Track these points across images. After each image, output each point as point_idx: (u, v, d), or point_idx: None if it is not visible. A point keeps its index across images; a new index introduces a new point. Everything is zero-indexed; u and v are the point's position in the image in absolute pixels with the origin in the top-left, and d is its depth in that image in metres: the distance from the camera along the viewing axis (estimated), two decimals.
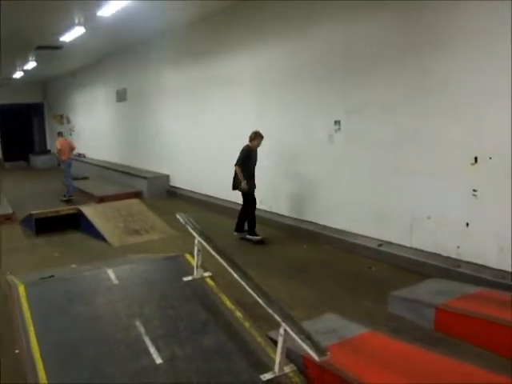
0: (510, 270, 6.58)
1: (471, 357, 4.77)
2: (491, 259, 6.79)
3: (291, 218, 10.46)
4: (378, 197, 8.43)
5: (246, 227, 9.83)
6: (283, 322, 4.38)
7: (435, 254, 7.54)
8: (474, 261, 7.01)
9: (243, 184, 9.46)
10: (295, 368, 4.54)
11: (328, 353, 4.01)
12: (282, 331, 4.40)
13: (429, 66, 7.43)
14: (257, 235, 9.62)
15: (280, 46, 10.37)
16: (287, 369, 4.51)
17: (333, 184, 9.34)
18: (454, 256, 7.29)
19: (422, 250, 7.70)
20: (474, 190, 6.93)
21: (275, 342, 4.60)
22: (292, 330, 4.27)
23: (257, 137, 9.57)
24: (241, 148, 9.63)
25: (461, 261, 7.18)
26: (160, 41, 15.14)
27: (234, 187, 9.79)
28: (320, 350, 4.01)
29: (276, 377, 4.43)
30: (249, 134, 9.61)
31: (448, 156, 7.23)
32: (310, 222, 9.96)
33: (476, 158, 6.86)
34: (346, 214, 9.10)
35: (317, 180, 9.74)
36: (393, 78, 8.02)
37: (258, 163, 9.81)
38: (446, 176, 7.26)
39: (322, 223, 9.70)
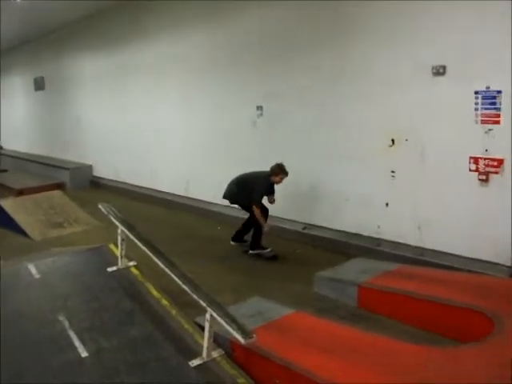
0: (427, 246, 6.88)
1: (391, 331, 4.98)
2: (410, 237, 7.06)
3: (215, 204, 10.45)
4: (299, 180, 8.53)
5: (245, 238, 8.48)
6: (209, 307, 4.41)
7: (358, 234, 7.77)
8: (394, 239, 7.27)
9: (265, 226, 7.94)
10: (223, 352, 4.57)
11: (254, 335, 4.07)
12: (208, 316, 4.43)
13: (348, 53, 7.62)
14: (265, 248, 8.00)
15: (201, 33, 10.31)
16: (215, 353, 4.54)
17: (254, 169, 9.38)
18: (375, 235, 7.54)
19: (345, 231, 7.91)
20: (392, 172, 7.18)
21: (203, 328, 4.63)
22: (218, 315, 4.31)
23: (280, 172, 7.84)
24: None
25: (382, 240, 7.44)
26: (77, 27, 14.70)
27: (234, 201, 8.43)
28: (245, 333, 4.07)
29: (204, 362, 4.45)
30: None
31: (367, 139, 7.45)
32: (232, 207, 9.94)
33: (393, 140, 7.10)
34: None
35: (241, 165, 9.70)
36: (312, 64, 8.14)
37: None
38: (367, 158, 7.47)
39: None
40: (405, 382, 3.73)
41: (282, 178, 7.87)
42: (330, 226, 8.19)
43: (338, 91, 7.80)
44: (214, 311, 4.35)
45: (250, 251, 7.94)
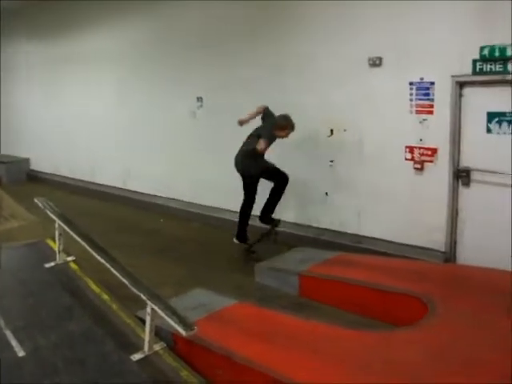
0: (365, 234, 7.05)
1: (331, 317, 5.09)
2: (349, 225, 7.21)
3: (157, 196, 10.37)
4: None
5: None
6: (149, 300, 4.37)
7: (299, 224, 7.86)
8: (334, 228, 7.41)
9: (261, 144, 6.77)
10: (165, 345, 4.54)
11: (195, 327, 4.07)
12: (149, 310, 4.40)
13: (289, 46, 7.71)
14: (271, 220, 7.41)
15: (140, 24, 10.17)
16: (157, 347, 4.51)
17: (198, 160, 9.38)
18: (315, 225, 7.65)
19: (286, 221, 7.97)
20: (330, 161, 7.30)
21: (144, 322, 4.58)
22: (159, 308, 4.29)
23: (287, 126, 6.99)
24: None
25: (322, 229, 7.56)
26: (10, 14, 14.17)
27: (242, 169, 7.28)
28: (187, 325, 4.06)
29: (146, 356, 4.41)
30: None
31: (308, 129, 7.53)
32: (175, 200, 9.94)
33: (332, 130, 7.21)
34: (214, 190, 9.17)
35: (182, 157, 9.72)
36: (254, 56, 8.19)
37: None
38: (307, 149, 7.56)
39: (187, 200, 9.72)
40: (343, 367, 3.82)
41: (287, 134, 6.99)
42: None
43: (279, 83, 7.85)
44: (155, 304, 4.32)
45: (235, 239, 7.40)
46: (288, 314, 5.02)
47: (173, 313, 4.20)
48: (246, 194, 7.33)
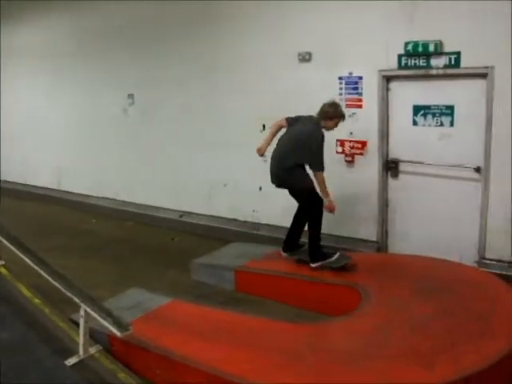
0: None
1: (268, 311, 5.19)
2: (283, 219, 7.26)
3: (88, 195, 10.15)
4: (176, 168, 8.55)
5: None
6: (82, 302, 4.30)
7: (234, 219, 7.89)
8: (270, 222, 7.47)
9: (326, 201, 5.70)
10: (101, 348, 4.47)
11: (130, 327, 4.03)
12: (82, 312, 4.32)
13: (220, 43, 7.68)
14: (330, 255, 5.74)
15: (71, 19, 9.88)
16: (92, 350, 4.44)
17: (131, 158, 9.25)
18: (251, 220, 7.70)
19: (222, 217, 8.00)
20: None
21: (78, 325, 4.50)
22: (92, 310, 4.22)
23: (337, 114, 5.78)
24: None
25: (258, 223, 7.61)
26: None
27: (283, 184, 6.03)
28: (122, 326, 4.01)
29: (81, 360, 4.33)
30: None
31: (241, 126, 7.56)
32: (109, 199, 9.77)
33: (264, 126, 7.26)
34: (147, 188, 9.09)
35: (114, 155, 9.56)
36: (186, 53, 8.10)
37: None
38: (241, 144, 7.57)
39: (120, 199, 9.57)
40: (278, 358, 3.87)
41: (336, 124, 5.83)
42: (208, 213, 8.24)
43: (212, 80, 7.84)
44: (88, 307, 4.25)
45: (312, 264, 5.69)
46: (225, 309, 5.05)
47: (107, 314, 4.14)
48: (309, 213, 5.90)
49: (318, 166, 5.58)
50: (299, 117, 5.97)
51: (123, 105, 9.16)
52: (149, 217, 8.89)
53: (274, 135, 6.04)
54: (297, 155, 5.65)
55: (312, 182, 5.70)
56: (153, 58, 8.59)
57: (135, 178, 9.26)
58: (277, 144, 5.94)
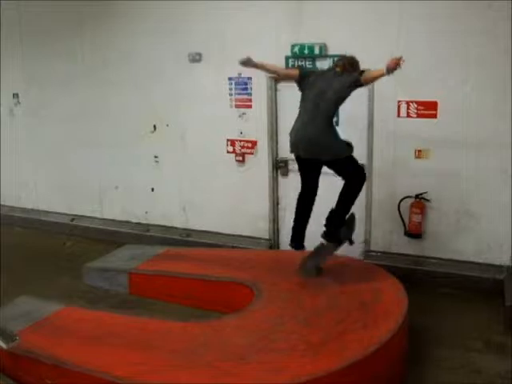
0: (193, 227, 7.22)
1: (162, 313, 5.20)
2: (177, 220, 7.31)
3: None
4: (66, 171, 8.30)
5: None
6: None
7: (127, 221, 7.81)
8: (163, 223, 7.46)
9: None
10: None
11: (17, 338, 3.89)
12: None
13: (111, 41, 7.54)
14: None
15: None
16: None
17: (17, 161, 8.85)
18: (143, 221, 7.66)
19: (114, 220, 7.89)
20: (155, 156, 7.33)
21: None
22: None
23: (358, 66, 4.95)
24: None
25: (150, 225, 7.58)
26: None
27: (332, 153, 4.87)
28: (7, 337, 3.87)
29: None
30: None
31: (131, 126, 7.48)
32: None
33: (155, 126, 7.23)
34: (36, 192, 8.76)
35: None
36: (74, 50, 7.87)
37: None
38: (131, 145, 7.51)
39: (8, 204, 9.15)
40: (171, 358, 3.88)
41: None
42: (100, 216, 8.10)
43: (101, 79, 7.67)
44: None
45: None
46: (118, 313, 4.97)
47: None
48: (354, 178, 5.01)
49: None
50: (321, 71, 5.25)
51: (9, 105, 8.75)
52: (39, 221, 8.59)
53: (268, 71, 5.41)
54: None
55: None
56: (39, 56, 8.25)
57: (24, 181, 8.87)
58: (304, 105, 4.95)
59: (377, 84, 5.77)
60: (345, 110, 6.06)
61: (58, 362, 3.95)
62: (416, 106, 5.75)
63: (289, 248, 6.37)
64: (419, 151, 5.85)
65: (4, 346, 3.82)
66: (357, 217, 5.38)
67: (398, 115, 5.84)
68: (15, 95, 8.69)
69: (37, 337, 4.37)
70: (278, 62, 6.25)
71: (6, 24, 8.48)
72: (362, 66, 5.66)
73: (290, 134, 4.93)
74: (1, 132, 8.98)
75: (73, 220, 8.28)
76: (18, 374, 4.15)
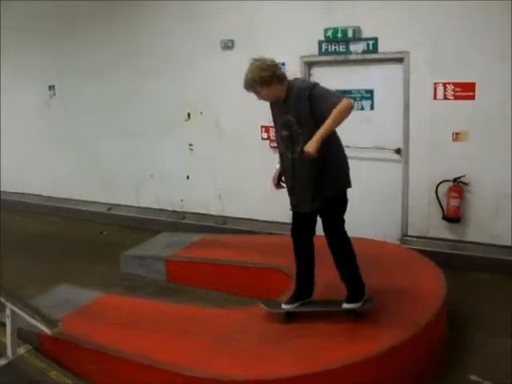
0: (228, 214, 7.23)
1: (199, 299, 5.23)
2: (212, 207, 7.33)
3: (9, 192, 9.80)
4: (102, 160, 8.41)
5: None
6: (7, 301, 4.17)
7: (162, 209, 7.87)
8: (198, 211, 7.49)
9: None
10: (31, 347, 4.37)
11: (59, 324, 3.96)
12: (8, 312, 4.19)
13: (142, 29, 7.58)
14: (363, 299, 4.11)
15: None
16: (22, 350, 4.33)
17: (53, 152, 9.01)
18: (179, 209, 7.71)
19: (150, 208, 7.96)
20: (190, 144, 7.35)
21: (5, 326, 4.37)
22: (18, 309, 4.11)
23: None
24: None
25: (186, 212, 7.62)
26: None
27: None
28: (51, 323, 3.94)
29: (10, 361, 4.21)
30: None
31: (164, 114, 7.51)
32: (32, 195, 9.51)
33: (189, 114, 7.25)
34: (72, 182, 8.89)
35: (36, 149, 9.28)
36: (103, 43, 7.96)
37: None
38: (166, 134, 7.55)
39: (45, 194, 9.33)
40: (211, 343, 3.91)
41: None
42: (136, 204, 8.18)
43: (133, 67, 7.73)
44: (14, 305, 4.13)
45: (348, 305, 4.06)
46: (156, 300, 5.04)
47: (35, 312, 4.05)
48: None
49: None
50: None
51: (44, 96, 8.88)
52: (76, 211, 8.73)
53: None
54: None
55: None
56: (72, 48, 8.36)
57: (60, 172, 9.03)
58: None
59: (412, 66, 5.72)
60: (380, 93, 6.06)
61: (98, 348, 4.04)
62: (453, 87, 5.63)
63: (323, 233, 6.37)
64: (457, 134, 5.73)
65: (48, 331, 3.89)
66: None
67: (435, 97, 5.72)
68: (51, 87, 8.83)
69: (77, 323, 4.46)
70: (311, 47, 6.24)
71: (41, 16, 8.59)
72: (399, 48, 5.67)
73: (345, 165, 4.04)
74: (37, 123, 9.15)
75: (109, 209, 8.39)
76: (60, 357, 4.26)
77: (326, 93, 3.78)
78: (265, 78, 3.99)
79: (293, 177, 4.04)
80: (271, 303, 4.33)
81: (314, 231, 4.18)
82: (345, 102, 3.59)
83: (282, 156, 4.13)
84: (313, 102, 3.74)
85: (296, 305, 4.17)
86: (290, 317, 4.16)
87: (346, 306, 4.04)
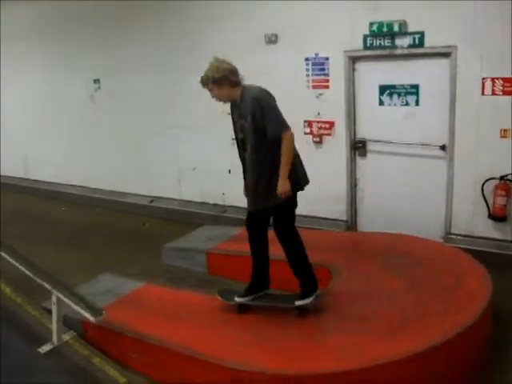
0: None
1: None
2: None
3: (56, 183, 10.03)
4: (145, 153, 8.50)
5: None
6: (53, 289, 4.27)
7: (204, 202, 7.92)
8: (239, 205, 7.48)
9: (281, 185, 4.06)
10: (75, 334, 4.46)
11: (104, 312, 4.04)
12: (54, 299, 4.29)
13: (183, 25, 7.61)
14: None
15: (32, 4, 9.62)
16: (66, 336, 4.43)
17: (97, 144, 9.16)
18: (220, 203, 7.74)
19: (192, 201, 8.01)
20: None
21: (51, 313, 4.48)
22: (64, 296, 4.20)
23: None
24: None
25: (227, 206, 7.65)
26: None
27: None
28: (95, 311, 4.02)
29: (55, 347, 4.32)
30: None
31: (206, 108, 7.49)
32: (77, 186, 9.68)
33: None
34: (116, 174, 9.02)
35: (82, 142, 9.45)
36: (147, 38, 8.04)
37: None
38: (207, 128, 7.58)
39: (89, 186, 9.49)
40: (250, 338, 3.97)
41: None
42: (178, 197, 8.25)
43: (176, 63, 7.79)
44: (60, 292, 4.22)
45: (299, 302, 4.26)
46: (197, 292, 5.08)
47: (79, 299, 4.14)
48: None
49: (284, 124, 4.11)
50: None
51: (90, 90, 9.04)
52: (118, 203, 8.85)
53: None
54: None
55: None
56: (117, 42, 8.47)
57: (103, 164, 9.17)
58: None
59: (460, 61, 5.60)
60: (426, 88, 5.95)
61: (141, 337, 4.10)
62: (502, 82, 5.47)
63: (367, 229, 6.31)
64: (505, 130, 5.57)
65: (92, 319, 3.97)
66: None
67: (483, 93, 5.58)
68: (96, 81, 8.96)
69: (120, 312, 4.54)
70: (355, 41, 6.18)
71: (87, 13, 8.74)
72: (446, 43, 5.55)
73: (303, 174, 4.47)
74: (82, 117, 9.32)
75: (151, 201, 8.48)
76: (103, 345, 4.35)
77: (272, 111, 4.15)
78: (216, 79, 4.35)
79: (245, 176, 4.49)
80: (226, 295, 4.52)
81: (266, 227, 4.44)
82: (287, 137, 4.04)
83: (240, 157, 4.56)
84: (260, 112, 4.11)
85: (249, 298, 4.40)
86: (243, 309, 4.40)
87: (297, 303, 4.25)
